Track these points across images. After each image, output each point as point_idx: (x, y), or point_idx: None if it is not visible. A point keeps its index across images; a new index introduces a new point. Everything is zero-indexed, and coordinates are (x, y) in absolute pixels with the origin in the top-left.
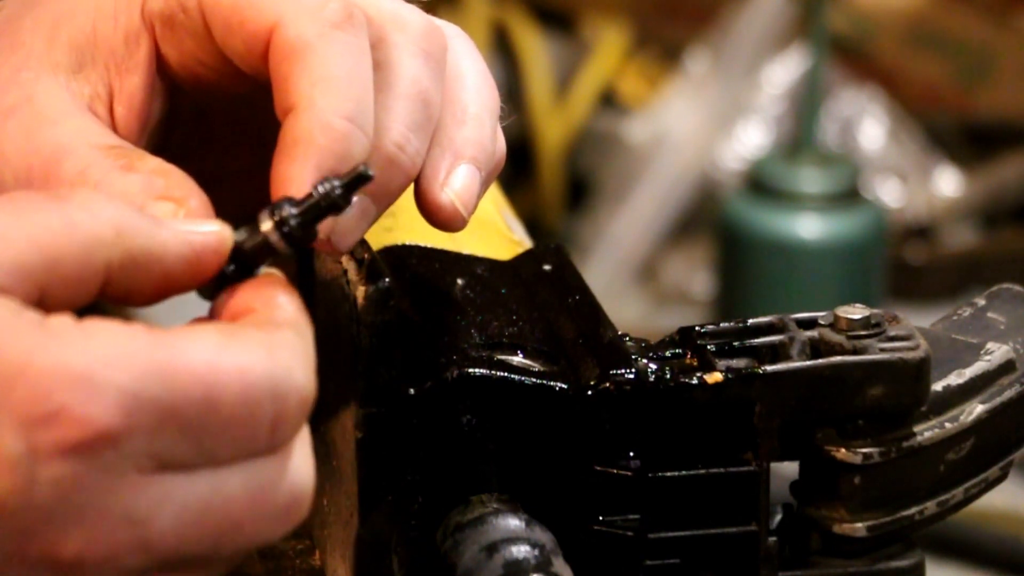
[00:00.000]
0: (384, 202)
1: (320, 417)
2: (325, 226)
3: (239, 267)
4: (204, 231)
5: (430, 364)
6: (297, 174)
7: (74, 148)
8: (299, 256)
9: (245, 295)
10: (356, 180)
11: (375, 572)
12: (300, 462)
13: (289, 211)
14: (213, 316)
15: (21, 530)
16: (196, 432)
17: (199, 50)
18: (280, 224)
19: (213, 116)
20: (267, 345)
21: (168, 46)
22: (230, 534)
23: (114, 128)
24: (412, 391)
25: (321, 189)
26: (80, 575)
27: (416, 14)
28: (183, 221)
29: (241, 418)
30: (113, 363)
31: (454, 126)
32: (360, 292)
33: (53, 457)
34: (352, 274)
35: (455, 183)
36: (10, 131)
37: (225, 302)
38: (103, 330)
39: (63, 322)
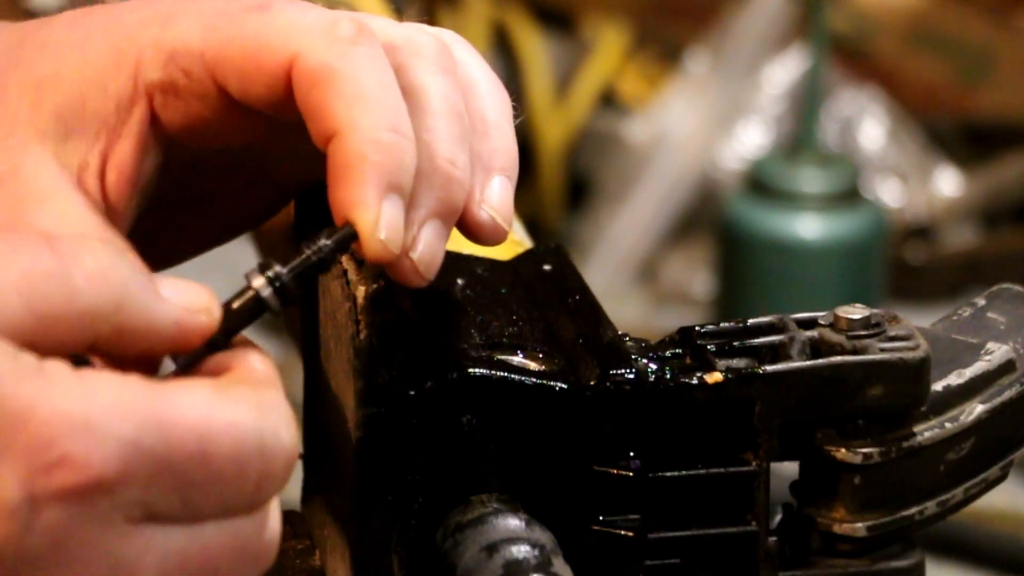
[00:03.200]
0: (452, 220)
1: (320, 417)
2: (407, 261)
3: (223, 334)
4: (196, 311)
5: (430, 364)
6: (360, 195)
7: (59, 234)
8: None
9: (221, 355)
10: (346, 238)
11: (375, 572)
12: (274, 515)
13: (280, 269)
14: (181, 373)
15: None
16: (186, 485)
17: (207, 109)
18: (273, 281)
19: (208, 153)
20: (256, 403)
21: (170, 112)
22: None
23: (104, 195)
24: (412, 391)
25: (312, 247)
26: None
27: (424, 34)
28: (178, 290)
29: (230, 474)
30: (113, 412)
31: (478, 139)
32: (360, 292)
33: (50, 504)
34: (352, 274)
35: (491, 198)
36: None
37: (198, 361)
38: (101, 379)
39: (60, 369)
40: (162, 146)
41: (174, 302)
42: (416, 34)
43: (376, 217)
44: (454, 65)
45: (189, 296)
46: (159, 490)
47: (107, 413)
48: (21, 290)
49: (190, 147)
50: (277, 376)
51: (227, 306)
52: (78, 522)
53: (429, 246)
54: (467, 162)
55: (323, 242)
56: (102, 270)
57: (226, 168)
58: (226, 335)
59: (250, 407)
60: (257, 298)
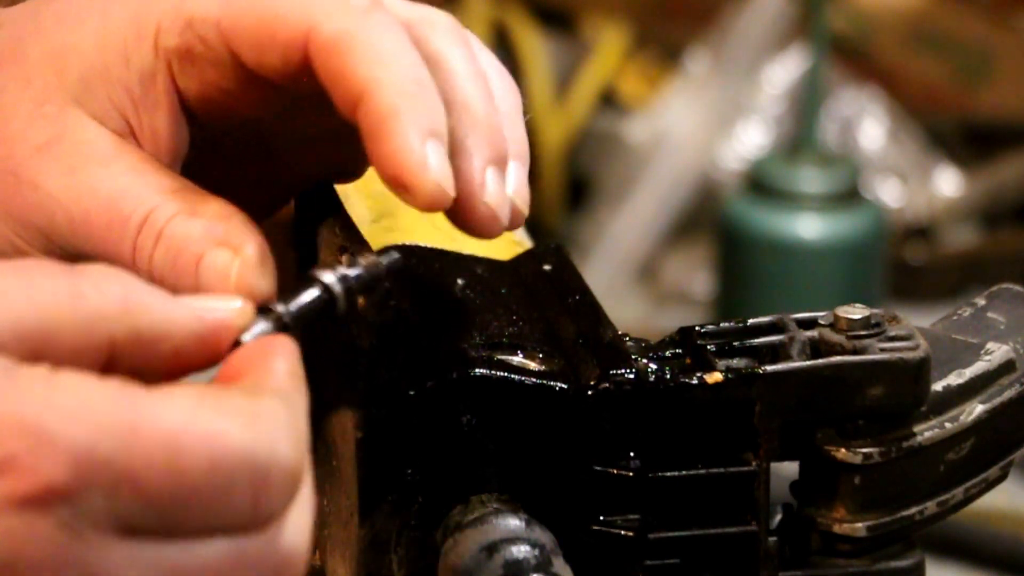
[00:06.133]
0: (505, 170)
1: (320, 417)
2: (482, 207)
3: (290, 320)
4: (220, 307)
5: (430, 364)
6: (402, 144)
7: (135, 191)
8: (299, 255)
9: (241, 356)
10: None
11: (375, 572)
12: (293, 530)
13: (348, 271)
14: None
15: None
16: (159, 500)
17: (222, 78)
18: (344, 279)
19: (221, 136)
20: (247, 414)
21: (187, 79)
22: None
23: None
24: (412, 391)
25: (365, 261)
26: None
27: (439, 13)
28: (199, 298)
29: (210, 491)
30: (69, 417)
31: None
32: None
33: (4, 509)
34: None
35: (510, 183)
36: (48, 168)
37: (225, 363)
38: (71, 381)
39: (34, 372)
40: (188, 119)
41: (192, 303)
42: (430, 12)
43: (424, 160)
44: (469, 41)
45: (213, 297)
46: (127, 503)
47: (64, 418)
48: (31, 300)
49: (205, 123)
50: (294, 384)
51: (282, 311)
52: (39, 530)
53: (498, 189)
54: (500, 120)
55: (378, 259)
56: (106, 272)
57: (236, 154)
58: (294, 321)
59: (237, 419)
60: (328, 292)
